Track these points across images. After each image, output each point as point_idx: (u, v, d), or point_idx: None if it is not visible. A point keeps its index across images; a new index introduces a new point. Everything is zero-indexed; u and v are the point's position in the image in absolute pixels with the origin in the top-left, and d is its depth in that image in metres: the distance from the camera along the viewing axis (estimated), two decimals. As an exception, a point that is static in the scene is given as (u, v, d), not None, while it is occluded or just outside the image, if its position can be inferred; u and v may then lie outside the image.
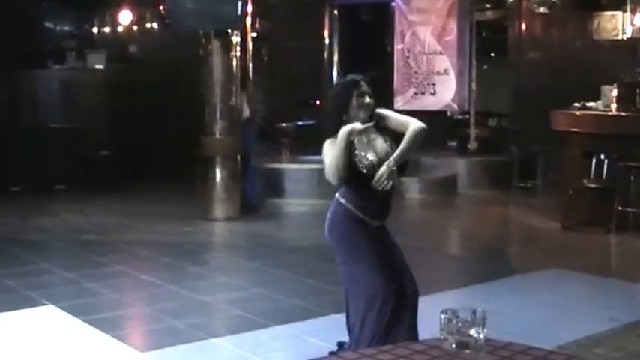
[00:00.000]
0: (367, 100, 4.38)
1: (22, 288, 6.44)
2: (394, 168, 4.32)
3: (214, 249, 8.54)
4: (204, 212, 9.58)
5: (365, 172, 4.31)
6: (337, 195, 4.56)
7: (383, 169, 4.28)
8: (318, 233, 7.21)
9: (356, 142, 4.32)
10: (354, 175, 4.34)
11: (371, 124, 4.34)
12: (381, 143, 4.41)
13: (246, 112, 10.17)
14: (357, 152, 4.32)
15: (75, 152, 11.99)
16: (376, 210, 4.49)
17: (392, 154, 4.35)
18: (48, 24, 13.30)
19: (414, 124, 4.45)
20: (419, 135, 4.44)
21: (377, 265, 4.48)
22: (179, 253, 7.86)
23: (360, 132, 4.26)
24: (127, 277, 6.99)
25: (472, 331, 2.07)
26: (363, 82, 4.42)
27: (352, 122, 4.29)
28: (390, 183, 4.32)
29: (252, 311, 5.75)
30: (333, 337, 5.17)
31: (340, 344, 4.76)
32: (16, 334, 5.36)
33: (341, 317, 5.61)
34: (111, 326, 5.42)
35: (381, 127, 4.43)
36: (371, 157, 4.34)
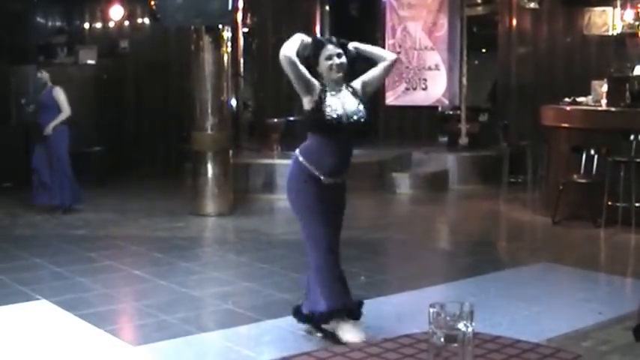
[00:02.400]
0: (337, 61, 4.68)
1: (15, 283, 6.44)
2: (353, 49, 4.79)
3: (205, 244, 8.55)
4: (194, 207, 9.59)
5: (331, 121, 4.63)
6: (296, 152, 4.83)
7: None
8: (309, 228, 7.19)
9: (328, 95, 4.67)
10: (319, 126, 4.68)
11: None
12: (350, 101, 4.73)
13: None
14: (327, 104, 4.64)
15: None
16: (332, 165, 4.74)
17: (359, 112, 4.72)
18: (38, 19, 13.26)
19: (390, 56, 4.97)
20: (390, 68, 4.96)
21: (326, 221, 4.78)
22: (169, 248, 7.87)
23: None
24: (117, 272, 7.00)
25: (460, 325, 2.09)
26: (329, 45, 4.72)
27: (327, 83, 4.68)
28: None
29: (243, 306, 5.77)
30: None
31: (296, 310, 5.06)
32: (9, 329, 5.37)
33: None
34: (103, 321, 5.44)
35: (354, 89, 4.79)
36: (340, 111, 4.65)
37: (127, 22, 13.45)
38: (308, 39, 4.72)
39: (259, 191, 10.77)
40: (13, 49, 12.19)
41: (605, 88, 9.32)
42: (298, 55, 4.64)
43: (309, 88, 4.66)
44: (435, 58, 12.21)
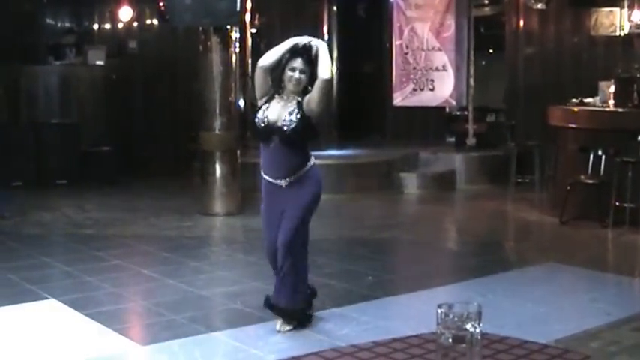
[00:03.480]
0: (296, 75, 4.95)
1: (24, 282, 6.48)
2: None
3: (213, 243, 8.58)
4: (202, 207, 9.62)
5: (258, 127, 4.98)
6: (312, 160, 5.12)
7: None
8: (315, 227, 7.26)
9: (273, 102, 4.98)
10: (255, 132, 5.10)
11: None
12: (290, 110, 4.94)
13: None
14: (260, 112, 4.98)
15: (75, 148, 12.02)
16: (266, 166, 5.08)
17: (289, 123, 4.90)
18: (48, 19, 13.31)
19: (322, 75, 4.96)
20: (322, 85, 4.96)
21: (264, 221, 5.21)
22: (178, 247, 7.90)
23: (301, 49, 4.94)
24: (126, 271, 7.03)
25: (468, 326, 2.10)
26: (300, 59, 4.95)
27: (284, 86, 4.97)
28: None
29: (251, 305, 5.78)
30: (330, 330, 5.24)
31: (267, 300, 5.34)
32: (18, 327, 5.40)
33: (339, 311, 5.68)
34: (111, 320, 5.47)
35: (300, 102, 4.96)
36: (272, 117, 4.95)
37: (135, 23, 13.48)
38: (303, 41, 4.98)
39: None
40: (23, 50, 12.23)
41: (612, 88, 9.31)
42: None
43: (261, 94, 5.07)
44: (443, 58, 12.21)
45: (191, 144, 10.84)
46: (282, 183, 5.02)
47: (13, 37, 11.97)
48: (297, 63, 4.95)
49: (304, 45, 4.97)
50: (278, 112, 4.96)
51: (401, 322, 5.40)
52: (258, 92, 5.10)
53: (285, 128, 4.91)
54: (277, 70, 5.00)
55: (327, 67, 4.89)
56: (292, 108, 4.96)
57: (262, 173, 5.10)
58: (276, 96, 5.02)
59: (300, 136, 4.97)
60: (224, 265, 7.38)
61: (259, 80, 5.07)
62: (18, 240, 8.20)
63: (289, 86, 4.97)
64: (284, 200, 5.05)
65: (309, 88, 4.99)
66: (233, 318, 5.64)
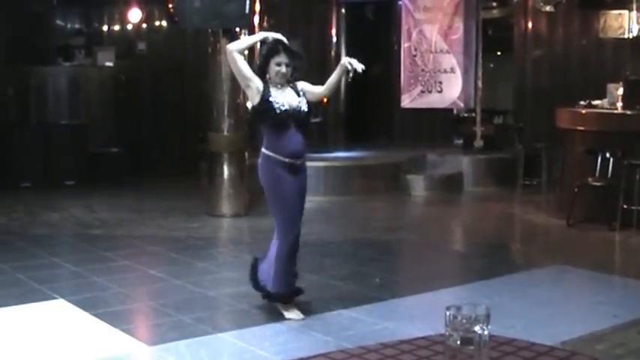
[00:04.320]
0: (283, 69, 5.32)
1: (32, 281, 6.51)
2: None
3: (220, 244, 8.60)
4: (210, 208, 9.65)
5: (278, 112, 5.26)
6: (262, 149, 5.46)
7: (348, 60, 5.31)
8: (322, 229, 7.32)
9: (272, 90, 5.31)
10: (269, 118, 5.30)
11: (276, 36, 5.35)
12: (292, 96, 5.36)
13: None
14: (272, 99, 5.27)
15: (83, 148, 12.07)
16: (288, 149, 5.35)
17: (300, 107, 5.33)
18: (58, 21, 13.37)
19: (323, 92, 5.58)
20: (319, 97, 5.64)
21: (287, 202, 5.43)
22: (185, 248, 7.93)
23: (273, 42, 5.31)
24: (133, 271, 7.06)
25: (477, 328, 2.11)
26: (283, 53, 5.32)
27: (270, 82, 5.33)
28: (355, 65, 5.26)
29: (258, 306, 5.80)
30: (337, 331, 5.25)
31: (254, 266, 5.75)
32: (27, 327, 5.43)
33: (347, 312, 5.70)
34: (119, 320, 5.49)
35: (299, 89, 5.41)
36: (285, 105, 5.28)
37: (144, 25, 13.52)
38: (273, 37, 5.36)
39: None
40: (33, 50, 12.28)
41: (620, 91, 9.31)
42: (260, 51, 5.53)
43: (247, 82, 5.35)
44: (451, 60, 12.22)
45: (199, 145, 10.87)
46: (298, 162, 5.41)
47: (23, 37, 12.02)
48: (282, 58, 5.33)
49: (280, 40, 5.32)
50: (285, 98, 5.33)
51: (408, 323, 5.41)
52: (247, 72, 5.35)
53: (302, 110, 5.35)
54: (261, 63, 5.40)
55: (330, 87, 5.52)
56: (294, 94, 5.40)
57: (273, 154, 5.35)
58: (270, 85, 5.36)
59: (310, 120, 5.55)
60: (231, 266, 7.40)
61: (237, 65, 5.34)
62: (26, 240, 8.23)
63: (276, 79, 5.35)
64: (299, 184, 5.46)
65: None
66: (240, 319, 5.66)
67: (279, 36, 5.38)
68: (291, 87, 5.43)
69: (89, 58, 12.91)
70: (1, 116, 11.68)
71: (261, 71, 5.38)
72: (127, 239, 8.37)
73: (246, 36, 5.60)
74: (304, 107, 5.37)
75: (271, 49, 5.34)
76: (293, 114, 5.31)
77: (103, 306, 5.84)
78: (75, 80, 12.71)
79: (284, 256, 5.46)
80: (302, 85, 5.49)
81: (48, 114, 12.36)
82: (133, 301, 6.30)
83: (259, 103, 5.34)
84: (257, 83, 5.35)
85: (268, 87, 5.34)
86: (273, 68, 5.34)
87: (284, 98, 5.33)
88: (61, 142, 11.89)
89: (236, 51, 5.33)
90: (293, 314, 5.53)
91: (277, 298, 5.59)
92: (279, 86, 5.37)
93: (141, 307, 6.24)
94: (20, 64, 12.03)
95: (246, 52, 5.44)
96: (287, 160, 5.35)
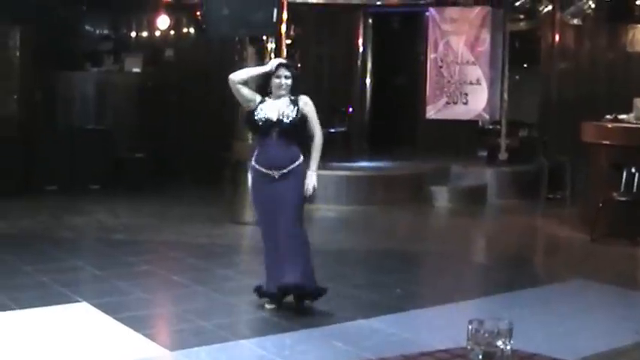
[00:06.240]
0: (284, 81, 5.74)
1: (56, 284, 6.56)
2: (314, 173, 5.78)
3: (243, 252, 8.63)
4: (234, 215, 9.68)
5: (258, 123, 5.69)
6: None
7: (311, 178, 5.77)
8: (344, 238, 7.34)
9: (265, 103, 5.75)
10: (250, 128, 5.96)
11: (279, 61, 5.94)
12: (286, 106, 5.71)
13: None
14: (257, 110, 5.71)
15: (109, 153, 12.16)
16: (261, 158, 5.75)
17: (284, 117, 5.67)
18: (86, 27, 13.49)
19: (318, 136, 5.84)
20: (320, 146, 5.88)
21: (261, 209, 5.85)
22: (208, 255, 7.97)
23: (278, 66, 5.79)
24: (156, 277, 7.11)
25: (499, 342, 2.11)
26: (283, 69, 5.79)
27: (270, 96, 5.76)
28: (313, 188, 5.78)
29: (278, 314, 5.81)
30: (357, 341, 5.25)
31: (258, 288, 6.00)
32: (50, 330, 5.47)
33: (367, 322, 5.70)
34: (140, 325, 5.52)
35: (295, 100, 5.76)
36: (269, 115, 5.68)
37: (172, 32, 13.62)
38: (260, 71, 5.93)
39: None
40: (61, 56, 12.41)
41: (647, 105, 9.25)
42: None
43: (248, 103, 5.81)
44: (477, 72, 12.19)
45: (224, 153, 10.90)
46: (276, 174, 5.71)
47: (51, 43, 12.14)
48: (282, 71, 5.77)
49: (280, 61, 5.92)
50: (276, 108, 5.71)
51: (428, 335, 5.40)
52: (249, 95, 5.81)
53: (284, 120, 5.67)
54: (264, 80, 5.83)
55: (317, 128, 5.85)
56: (288, 104, 5.73)
57: (254, 164, 5.79)
58: (267, 99, 5.79)
59: (297, 129, 5.73)
60: (253, 274, 7.38)
61: (238, 91, 5.79)
62: (51, 243, 8.30)
63: (279, 92, 5.76)
64: (275, 191, 5.70)
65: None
66: (260, 326, 5.68)
67: (279, 60, 5.98)
68: (291, 99, 5.78)
69: (117, 64, 13.01)
70: (28, 120, 11.79)
71: (263, 88, 5.85)
72: (150, 244, 8.43)
73: (248, 68, 6.36)
74: (289, 117, 5.68)
75: (275, 68, 5.80)
76: (274, 123, 5.67)
77: (125, 310, 5.88)
78: (102, 86, 12.82)
79: (265, 255, 5.97)
80: (305, 100, 5.83)
81: (74, 119, 12.48)
82: (155, 306, 6.34)
83: (245, 114, 5.88)
84: (256, 100, 5.80)
85: (263, 101, 5.78)
86: (274, 82, 5.77)
87: (273, 108, 5.72)
88: (87, 146, 11.98)
89: (238, 82, 5.78)
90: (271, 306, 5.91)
91: (265, 294, 5.93)
92: (277, 97, 5.76)
93: (162, 312, 6.28)
94: (48, 69, 12.14)
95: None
96: (264, 170, 5.73)
